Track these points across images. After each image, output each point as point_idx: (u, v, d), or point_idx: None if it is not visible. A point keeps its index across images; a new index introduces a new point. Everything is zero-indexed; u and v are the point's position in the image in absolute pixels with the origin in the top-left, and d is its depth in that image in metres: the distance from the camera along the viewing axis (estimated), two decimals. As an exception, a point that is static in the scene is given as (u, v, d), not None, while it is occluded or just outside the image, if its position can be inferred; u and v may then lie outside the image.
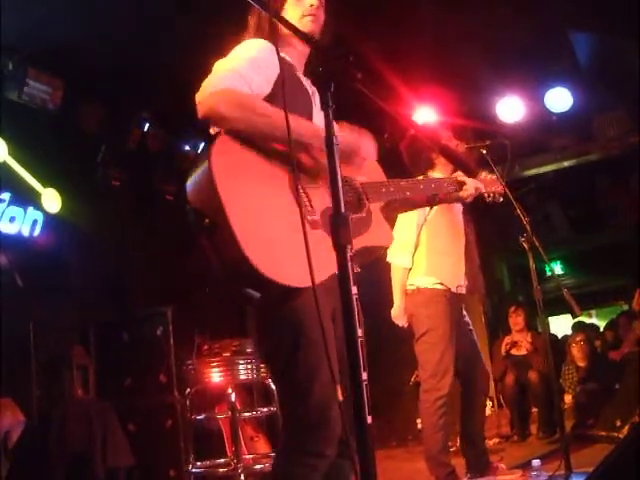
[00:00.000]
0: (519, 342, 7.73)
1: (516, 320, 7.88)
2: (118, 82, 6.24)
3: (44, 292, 5.87)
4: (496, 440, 7.18)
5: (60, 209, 6.49)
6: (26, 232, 6.28)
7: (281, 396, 2.46)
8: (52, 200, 6.47)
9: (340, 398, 2.06)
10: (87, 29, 5.58)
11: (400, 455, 7.38)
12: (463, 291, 5.01)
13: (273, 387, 5.37)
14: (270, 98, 2.40)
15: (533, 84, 7.35)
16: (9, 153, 6.10)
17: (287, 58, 2.57)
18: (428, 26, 5.90)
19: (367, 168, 2.60)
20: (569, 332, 9.91)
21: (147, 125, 7.01)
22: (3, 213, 6.08)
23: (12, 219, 6.17)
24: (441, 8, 5.72)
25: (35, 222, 6.36)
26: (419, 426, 7.84)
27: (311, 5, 2.58)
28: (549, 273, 14.69)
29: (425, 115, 7.37)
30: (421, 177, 3.01)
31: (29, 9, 5.27)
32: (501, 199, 3.34)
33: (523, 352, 7.65)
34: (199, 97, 2.33)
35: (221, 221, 2.12)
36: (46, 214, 6.41)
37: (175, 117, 6.94)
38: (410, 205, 3.08)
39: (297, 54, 2.63)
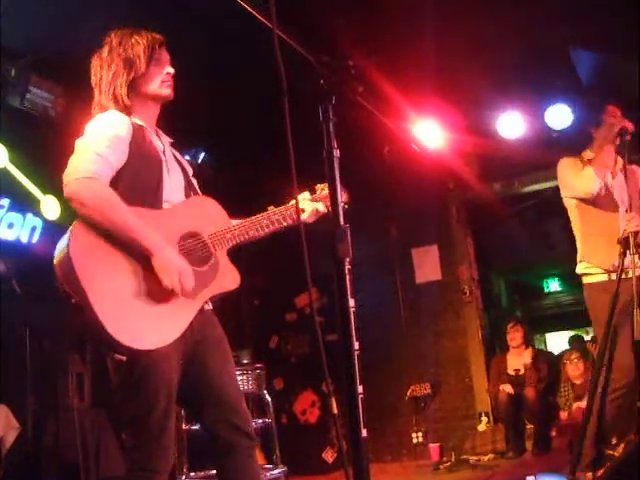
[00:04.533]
0: (517, 359, 7.72)
1: (514, 336, 7.86)
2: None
3: (41, 299, 5.85)
4: (491, 456, 7.16)
5: (59, 216, 6.48)
6: (25, 238, 6.27)
7: (124, 426, 2.79)
8: (51, 207, 6.47)
9: (335, 411, 2.08)
10: (90, 36, 5.59)
11: (394, 469, 7.37)
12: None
13: (268, 398, 5.37)
14: (124, 166, 2.69)
15: (534, 100, 7.36)
16: (9, 159, 6.10)
17: (137, 122, 2.85)
18: (430, 41, 5.92)
19: (214, 217, 2.89)
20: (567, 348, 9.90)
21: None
22: (2, 219, 6.07)
23: (11, 225, 6.16)
24: (443, 24, 5.74)
25: (34, 229, 6.35)
26: (414, 441, 7.86)
27: (168, 73, 2.96)
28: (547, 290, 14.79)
29: (426, 129, 7.39)
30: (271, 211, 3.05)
31: (32, 16, 5.28)
32: (347, 206, 3.27)
33: (520, 369, 7.63)
34: (66, 179, 2.60)
35: (84, 302, 2.41)
36: (45, 221, 6.40)
37: (175, 127, 6.95)
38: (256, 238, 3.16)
39: (149, 113, 2.96)
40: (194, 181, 3.07)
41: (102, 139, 2.66)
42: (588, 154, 4.93)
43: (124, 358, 2.54)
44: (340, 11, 5.51)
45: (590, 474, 4.41)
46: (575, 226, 4.89)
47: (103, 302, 2.41)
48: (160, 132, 3.03)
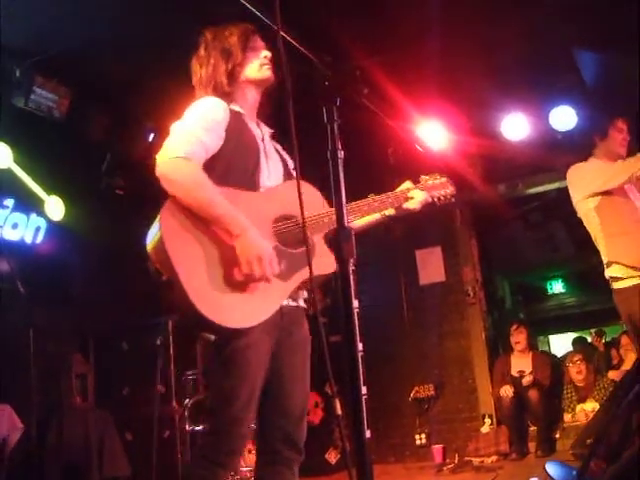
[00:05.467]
0: (520, 361, 7.71)
1: (518, 338, 7.83)
2: (125, 92, 6.27)
3: (45, 299, 5.87)
4: (494, 458, 7.15)
5: (63, 217, 6.50)
6: (29, 239, 6.29)
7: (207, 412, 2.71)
8: (55, 207, 6.48)
9: (339, 412, 2.08)
10: (95, 38, 5.60)
11: (397, 471, 7.36)
12: None
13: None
14: (220, 150, 2.71)
15: (538, 102, 7.35)
16: (14, 160, 6.12)
17: (236, 109, 2.86)
18: (434, 42, 5.91)
19: (311, 201, 2.82)
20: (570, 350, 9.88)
21: (152, 135, 7.03)
22: (6, 219, 6.09)
23: (15, 225, 6.18)
24: (447, 25, 5.74)
25: (38, 229, 6.37)
26: (417, 442, 7.86)
27: (265, 56, 2.95)
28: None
29: (430, 130, 7.38)
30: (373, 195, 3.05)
31: (37, 16, 5.29)
32: (453, 199, 3.32)
33: (524, 370, 7.62)
34: (160, 159, 2.59)
35: (174, 279, 2.43)
36: (49, 221, 6.42)
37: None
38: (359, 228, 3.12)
39: (250, 101, 2.97)
40: (294, 174, 2.99)
41: (197, 121, 2.68)
42: (594, 162, 4.94)
43: (212, 337, 2.53)
44: (344, 12, 5.51)
45: (604, 465, 4.40)
46: (595, 230, 4.79)
47: (192, 280, 2.42)
48: (260, 122, 3.02)
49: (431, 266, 8.21)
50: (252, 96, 2.97)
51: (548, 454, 6.87)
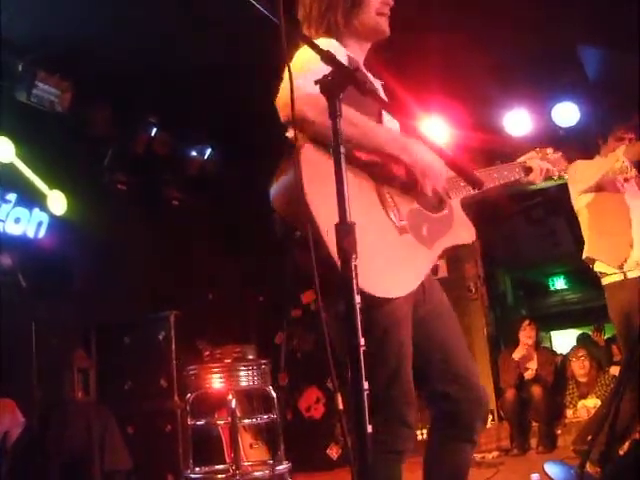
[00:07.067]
0: (527, 358, 7.70)
1: (530, 334, 7.80)
2: (127, 86, 6.26)
3: (47, 294, 5.87)
4: (495, 454, 7.15)
5: (65, 211, 6.49)
6: (31, 233, 6.29)
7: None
8: (58, 202, 6.48)
9: (341, 407, 2.07)
10: (97, 32, 5.60)
11: (399, 466, 7.35)
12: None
13: (273, 394, 5.36)
14: (345, 98, 2.24)
15: (541, 98, 7.34)
16: (16, 154, 6.12)
17: (352, 55, 2.51)
18: (437, 38, 5.91)
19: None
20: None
21: (154, 130, 7.02)
22: (9, 214, 6.08)
23: (17, 220, 6.17)
24: (450, 20, 5.73)
25: (40, 224, 6.37)
26: (419, 437, 7.85)
27: (384, 2, 2.62)
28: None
29: (432, 126, 7.37)
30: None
31: (40, 11, 5.29)
32: (566, 175, 3.31)
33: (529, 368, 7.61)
34: (280, 101, 2.26)
35: (315, 235, 2.05)
36: (51, 216, 6.42)
37: (182, 122, 6.96)
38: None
39: (359, 51, 2.61)
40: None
41: (317, 61, 2.08)
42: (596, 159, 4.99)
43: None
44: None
45: (598, 469, 4.41)
46: (584, 226, 4.89)
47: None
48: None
49: (433, 262, 8.20)
50: (363, 46, 2.61)
51: (549, 450, 6.89)
